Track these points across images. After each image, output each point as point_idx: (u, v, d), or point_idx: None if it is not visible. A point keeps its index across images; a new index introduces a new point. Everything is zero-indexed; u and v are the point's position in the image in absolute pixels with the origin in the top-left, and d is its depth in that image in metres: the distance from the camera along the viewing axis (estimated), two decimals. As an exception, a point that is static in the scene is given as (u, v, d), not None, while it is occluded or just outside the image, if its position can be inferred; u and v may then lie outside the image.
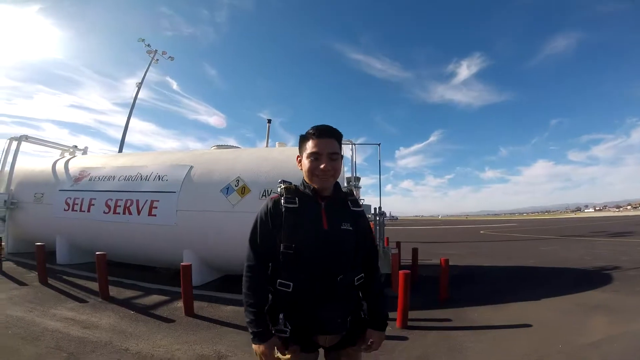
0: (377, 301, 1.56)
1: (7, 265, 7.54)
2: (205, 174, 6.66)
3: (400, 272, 4.27)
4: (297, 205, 1.45)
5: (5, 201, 8.63)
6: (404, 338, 3.86)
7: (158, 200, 6.71)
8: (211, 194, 6.20)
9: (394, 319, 4.29)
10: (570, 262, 9.49)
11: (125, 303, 5.14)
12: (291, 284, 1.39)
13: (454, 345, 3.71)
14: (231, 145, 8.25)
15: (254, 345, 1.38)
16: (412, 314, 4.43)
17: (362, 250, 1.53)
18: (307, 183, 1.51)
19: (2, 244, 8.75)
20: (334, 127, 1.49)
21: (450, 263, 5.92)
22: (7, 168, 9.08)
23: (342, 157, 1.55)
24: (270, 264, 1.48)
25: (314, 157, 1.44)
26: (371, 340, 1.49)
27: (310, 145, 1.46)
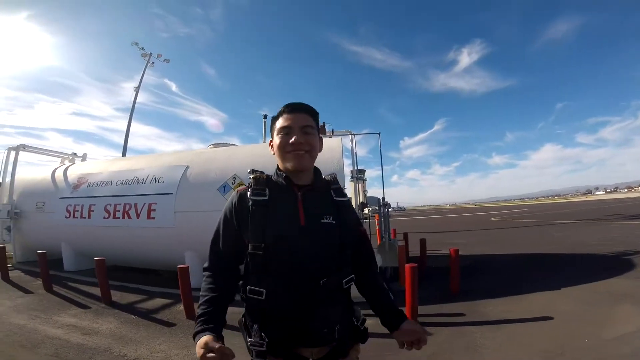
0: (388, 296, 1.35)
1: (15, 274, 7.56)
2: (201, 174, 6.53)
3: (407, 265, 4.04)
4: (266, 198, 1.23)
5: (8, 212, 8.68)
6: (414, 335, 3.64)
7: (156, 203, 6.59)
8: (208, 193, 6.05)
9: (403, 314, 4.10)
10: (588, 247, 9.10)
11: (128, 308, 5.08)
12: (264, 290, 1.17)
13: (468, 342, 3.47)
14: (228, 143, 8.10)
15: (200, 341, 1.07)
16: (421, 309, 4.21)
17: (349, 246, 1.30)
18: (280, 171, 1.29)
19: (10, 253, 8.78)
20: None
21: (461, 253, 5.65)
22: (9, 179, 9.10)
23: (320, 137, 1.34)
24: (241, 268, 1.28)
25: (285, 131, 1.25)
26: (414, 331, 1.22)
27: (280, 122, 1.27)
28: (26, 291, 6.09)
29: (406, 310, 4.02)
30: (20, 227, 8.83)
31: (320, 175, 1.36)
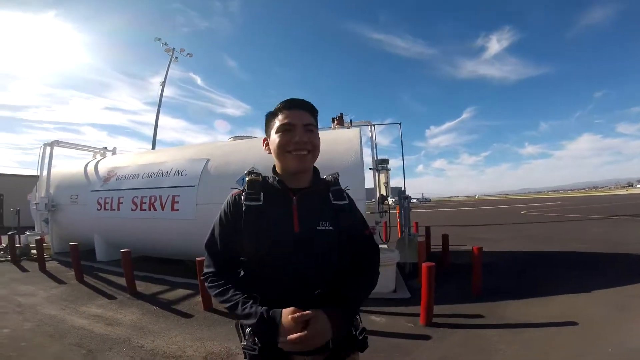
0: (350, 291, 1.17)
1: (52, 265, 8.00)
2: (221, 166, 6.67)
3: (424, 264, 3.90)
4: (261, 203, 1.18)
5: (46, 204, 9.15)
6: (427, 337, 3.52)
7: (179, 195, 6.81)
8: (228, 185, 6.06)
9: (417, 314, 3.99)
10: (627, 246, 8.43)
11: (151, 298, 5.25)
12: (257, 296, 1.14)
13: (483, 346, 3.31)
14: (248, 135, 8.15)
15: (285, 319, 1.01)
16: (439, 309, 4.08)
17: (348, 253, 1.24)
18: (275, 174, 1.24)
19: (47, 244, 9.35)
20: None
21: (487, 249, 5.36)
22: (46, 173, 9.59)
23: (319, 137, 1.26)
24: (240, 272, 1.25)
25: (286, 128, 1.17)
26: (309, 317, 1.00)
27: (280, 119, 1.20)
28: (60, 281, 6.42)
29: (421, 310, 3.90)
30: (56, 219, 9.33)
31: (319, 176, 1.30)
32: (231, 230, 1.19)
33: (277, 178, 1.21)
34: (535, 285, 5.32)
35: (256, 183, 1.22)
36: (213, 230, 1.25)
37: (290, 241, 1.14)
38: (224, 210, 1.24)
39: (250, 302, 1.09)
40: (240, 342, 1.18)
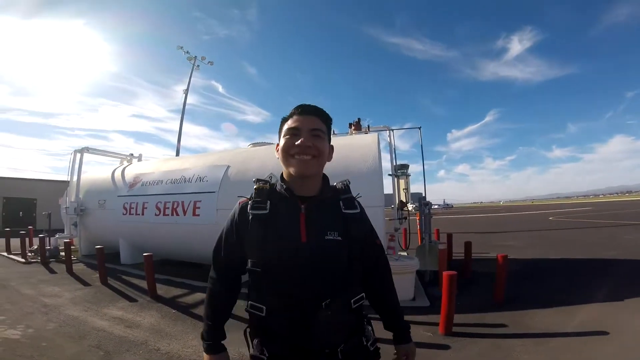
0: (395, 314, 1.37)
1: (79, 267, 8.28)
2: (241, 173, 6.76)
3: (445, 273, 3.79)
4: (267, 212, 1.15)
5: (75, 208, 9.57)
6: (446, 347, 3.41)
7: (200, 201, 6.96)
8: (247, 191, 6.17)
9: (436, 323, 3.86)
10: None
11: (170, 302, 5.32)
12: (264, 307, 1.12)
13: (504, 356, 3.17)
14: (266, 142, 8.26)
15: (204, 356, 1.25)
16: (460, 318, 3.94)
17: (358, 263, 1.20)
18: (283, 181, 1.20)
19: (75, 247, 9.73)
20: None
21: (512, 256, 5.16)
22: (76, 178, 10.01)
23: (331, 146, 1.24)
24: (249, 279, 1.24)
25: (292, 132, 1.15)
26: (404, 356, 1.33)
27: (288, 123, 1.18)
28: (85, 283, 6.60)
29: (440, 319, 3.79)
30: (84, 223, 9.73)
31: (328, 183, 1.26)
32: (236, 239, 1.19)
33: (284, 186, 1.18)
34: (563, 294, 5.06)
35: (263, 191, 1.20)
36: (220, 238, 1.26)
37: (297, 251, 1.10)
38: (231, 220, 1.23)
39: (206, 335, 1.24)
40: (249, 350, 1.18)
